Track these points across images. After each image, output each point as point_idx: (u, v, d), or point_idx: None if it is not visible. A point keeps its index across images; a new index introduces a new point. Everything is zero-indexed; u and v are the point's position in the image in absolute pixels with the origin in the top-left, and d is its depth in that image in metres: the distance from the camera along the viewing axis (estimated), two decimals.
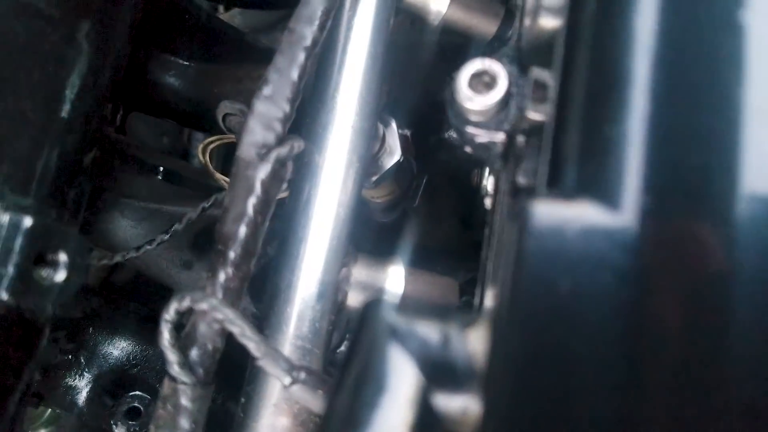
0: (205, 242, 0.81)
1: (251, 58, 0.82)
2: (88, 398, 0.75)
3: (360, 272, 0.54)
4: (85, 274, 0.44)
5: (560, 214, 0.25)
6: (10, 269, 0.38)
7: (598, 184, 0.25)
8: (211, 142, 0.83)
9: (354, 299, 0.53)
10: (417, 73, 0.71)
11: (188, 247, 0.81)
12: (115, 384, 0.74)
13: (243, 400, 0.48)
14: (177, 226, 0.74)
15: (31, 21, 0.43)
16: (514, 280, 0.25)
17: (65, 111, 0.45)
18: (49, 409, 0.84)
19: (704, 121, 0.25)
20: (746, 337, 0.24)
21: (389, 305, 0.29)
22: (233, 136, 0.82)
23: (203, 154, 0.82)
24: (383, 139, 0.62)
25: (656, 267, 0.23)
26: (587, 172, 0.26)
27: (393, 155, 0.62)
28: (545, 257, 0.25)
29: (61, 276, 0.41)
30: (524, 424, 0.24)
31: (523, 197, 0.27)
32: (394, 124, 0.62)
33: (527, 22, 0.45)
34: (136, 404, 0.73)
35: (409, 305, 0.29)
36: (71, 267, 0.41)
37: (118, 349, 0.76)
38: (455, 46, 0.64)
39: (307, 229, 0.52)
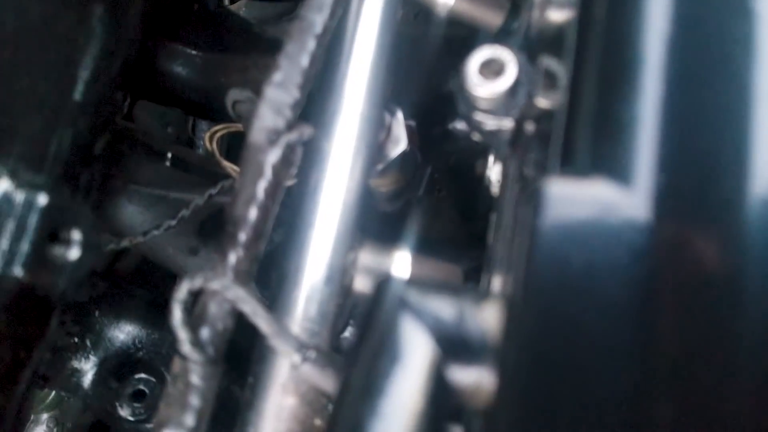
0: (211, 229, 0.81)
1: (258, 48, 0.82)
2: (94, 381, 0.75)
3: (366, 257, 0.54)
4: (98, 253, 0.44)
5: (574, 193, 0.25)
6: (25, 246, 0.38)
7: (611, 163, 0.25)
8: (218, 130, 0.83)
9: (360, 284, 0.53)
10: (422, 64, 0.71)
11: (194, 233, 0.81)
12: (120, 367, 0.74)
13: (250, 379, 0.49)
14: (184, 212, 0.74)
15: (46, 2, 0.43)
16: (530, 258, 0.25)
17: (78, 93, 0.45)
18: (54, 392, 0.84)
19: (715, 102, 0.25)
20: (757, 316, 0.24)
21: (402, 282, 0.29)
22: (239, 124, 0.82)
23: (210, 141, 0.82)
24: (389, 129, 0.62)
25: (669, 244, 0.24)
26: (601, 151, 0.26)
27: (399, 145, 0.62)
28: (560, 235, 0.25)
29: (74, 254, 0.40)
30: (537, 399, 0.24)
31: (537, 178, 0.27)
32: (400, 114, 0.62)
33: (536, 13, 0.45)
34: (141, 387, 0.73)
35: (421, 282, 0.29)
36: (84, 245, 0.41)
37: (123, 332, 0.76)
38: (461, 38, 0.64)
39: (314, 214, 0.52)
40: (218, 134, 0.83)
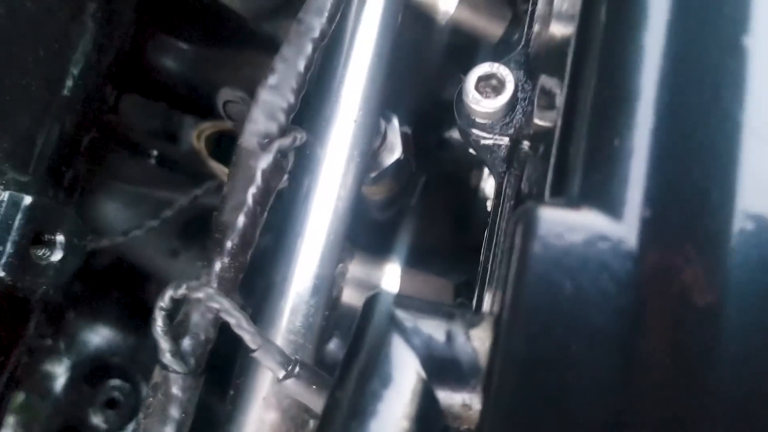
0: (194, 231, 0.82)
1: (252, 44, 0.84)
2: (66, 385, 0.75)
3: (356, 269, 0.56)
4: (81, 255, 0.46)
5: (564, 221, 0.27)
6: (8, 246, 0.39)
7: (601, 194, 0.27)
8: (206, 128, 0.84)
9: (348, 296, 0.55)
10: (420, 71, 0.73)
11: (176, 235, 0.82)
12: (94, 372, 0.75)
13: (232, 392, 0.50)
14: (166, 213, 0.75)
15: None
16: (518, 283, 0.27)
17: (68, 89, 0.46)
18: (23, 394, 0.84)
19: (706, 138, 0.27)
20: (738, 342, 0.26)
21: (391, 299, 0.31)
22: (228, 123, 0.83)
23: (198, 139, 0.84)
24: (384, 136, 0.64)
25: (653, 276, 0.25)
26: (591, 182, 0.28)
27: (393, 152, 0.64)
28: (548, 262, 0.26)
29: (57, 256, 0.42)
30: (522, 421, 0.26)
31: (527, 203, 0.29)
32: (395, 121, 0.64)
33: (537, 28, 0.47)
34: (115, 394, 0.74)
35: (410, 301, 0.31)
36: (68, 248, 0.42)
37: (98, 336, 0.76)
38: (460, 46, 0.66)
39: (304, 223, 0.54)
40: (206, 132, 0.85)
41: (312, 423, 0.47)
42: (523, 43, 0.47)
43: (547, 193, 0.30)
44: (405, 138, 0.66)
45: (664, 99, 0.28)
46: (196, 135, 0.82)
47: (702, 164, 0.27)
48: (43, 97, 0.43)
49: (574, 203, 0.28)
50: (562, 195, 0.29)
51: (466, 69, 0.45)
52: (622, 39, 0.30)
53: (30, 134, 0.42)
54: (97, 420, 0.74)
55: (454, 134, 0.75)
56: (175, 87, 0.82)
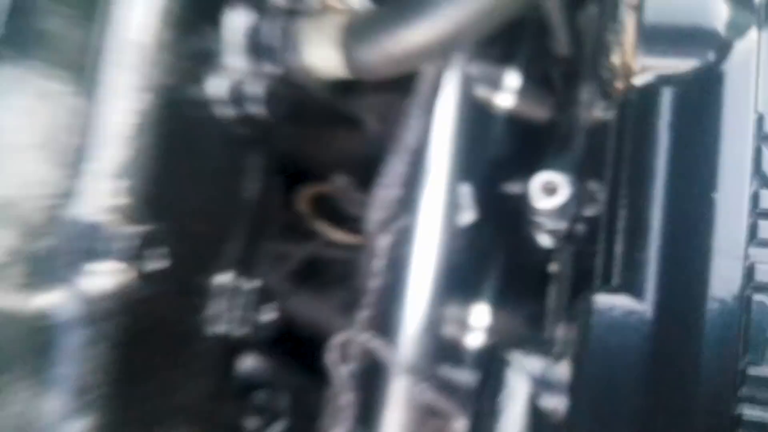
0: (302, 277, 1.05)
1: (338, 122, 1.05)
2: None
3: (452, 310, 0.77)
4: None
5: (610, 303, 0.48)
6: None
7: (632, 285, 0.48)
8: (308, 192, 1.06)
9: (447, 330, 0.77)
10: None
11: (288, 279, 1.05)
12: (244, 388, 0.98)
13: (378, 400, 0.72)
14: (291, 264, 0.97)
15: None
16: (584, 340, 0.48)
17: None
18: None
19: (691, 254, 0.48)
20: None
21: (508, 346, 0.53)
22: (326, 187, 1.05)
23: (302, 202, 1.06)
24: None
25: (664, 335, 0.46)
26: (625, 277, 0.49)
27: (468, 215, 0.85)
28: (601, 326, 0.48)
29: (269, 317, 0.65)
30: (590, 418, 0.48)
31: (587, 292, 0.50)
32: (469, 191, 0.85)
33: (582, 111, 0.67)
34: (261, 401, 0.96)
35: (521, 342, 0.53)
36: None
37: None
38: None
39: (415, 278, 0.76)
40: (307, 195, 1.07)
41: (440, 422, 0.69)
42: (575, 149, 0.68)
43: (597, 281, 0.51)
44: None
45: (667, 228, 0.49)
46: (303, 198, 1.04)
47: (690, 268, 0.48)
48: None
49: (615, 290, 0.49)
50: (608, 284, 0.50)
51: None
52: (640, 194, 0.51)
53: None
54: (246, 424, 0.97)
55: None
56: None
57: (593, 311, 0.48)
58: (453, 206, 0.80)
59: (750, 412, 0.44)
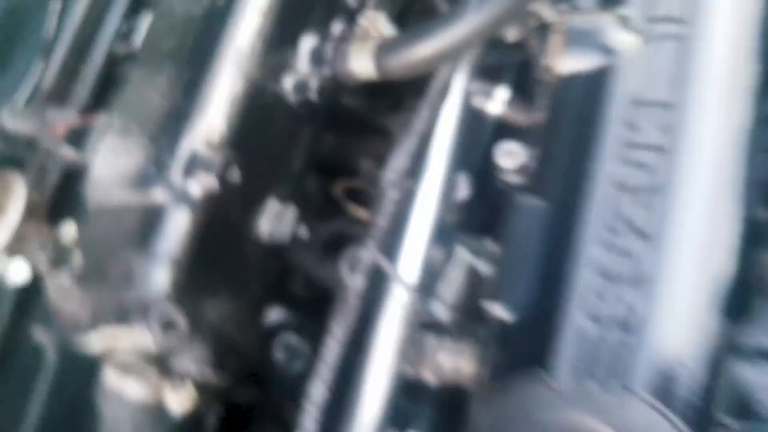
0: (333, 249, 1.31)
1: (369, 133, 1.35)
2: None
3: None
4: None
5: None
6: None
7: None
8: (343, 185, 1.35)
9: None
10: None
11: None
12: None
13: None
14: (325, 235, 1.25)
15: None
16: None
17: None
18: None
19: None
20: None
21: None
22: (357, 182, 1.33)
23: (338, 190, 1.34)
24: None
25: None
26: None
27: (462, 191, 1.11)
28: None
29: None
30: None
31: None
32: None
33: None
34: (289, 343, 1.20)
35: None
36: None
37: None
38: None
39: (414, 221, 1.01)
40: (341, 186, 1.36)
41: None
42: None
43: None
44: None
45: None
46: (337, 189, 1.33)
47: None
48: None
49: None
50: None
51: None
52: None
53: None
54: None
55: None
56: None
57: None
58: (450, 180, 1.07)
59: None
